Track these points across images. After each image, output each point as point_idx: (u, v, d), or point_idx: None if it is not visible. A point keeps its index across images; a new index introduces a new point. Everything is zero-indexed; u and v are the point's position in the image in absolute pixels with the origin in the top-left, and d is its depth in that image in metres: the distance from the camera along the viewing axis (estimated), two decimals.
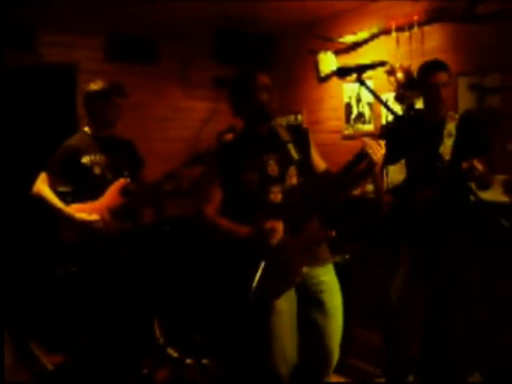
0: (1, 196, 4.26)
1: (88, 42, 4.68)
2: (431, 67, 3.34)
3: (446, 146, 3.32)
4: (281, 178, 2.68)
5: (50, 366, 3.89)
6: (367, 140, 2.51)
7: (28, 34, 4.35)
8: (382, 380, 3.70)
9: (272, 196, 2.66)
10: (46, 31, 4.46)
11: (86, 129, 3.63)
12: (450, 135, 3.33)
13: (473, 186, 3.21)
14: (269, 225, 2.53)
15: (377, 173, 3.44)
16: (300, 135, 2.83)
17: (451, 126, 3.34)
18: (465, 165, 3.06)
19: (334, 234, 2.69)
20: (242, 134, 2.80)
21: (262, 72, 2.71)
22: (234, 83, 2.76)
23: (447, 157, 3.31)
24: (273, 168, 2.68)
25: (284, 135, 2.76)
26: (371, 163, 2.50)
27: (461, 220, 3.31)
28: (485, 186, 3.20)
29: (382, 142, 2.51)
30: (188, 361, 3.86)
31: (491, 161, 3.11)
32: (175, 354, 3.96)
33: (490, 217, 2.57)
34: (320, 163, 2.86)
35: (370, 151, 2.47)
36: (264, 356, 2.63)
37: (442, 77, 3.29)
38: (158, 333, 4.10)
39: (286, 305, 2.64)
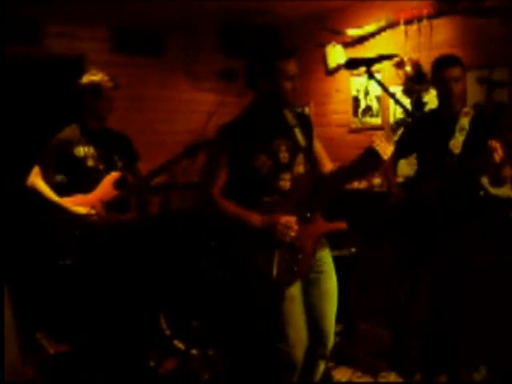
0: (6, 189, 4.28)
1: (94, 34, 4.66)
2: (444, 62, 3.32)
3: (457, 141, 3.30)
4: (290, 166, 2.68)
5: (54, 355, 3.92)
6: (377, 137, 2.50)
7: (34, 26, 4.35)
8: (389, 374, 3.70)
9: (282, 183, 2.66)
10: (52, 23, 4.45)
11: (79, 121, 3.62)
12: (462, 130, 3.31)
13: (485, 181, 3.20)
14: (283, 220, 2.55)
15: (388, 167, 3.46)
16: (304, 120, 2.83)
17: (464, 121, 3.32)
18: (492, 143, 3.00)
19: (345, 225, 2.70)
20: (252, 113, 2.73)
21: (291, 58, 2.61)
22: (262, 58, 2.62)
23: (457, 150, 3.29)
24: (284, 155, 2.67)
25: (291, 119, 2.75)
26: (379, 160, 2.49)
27: (468, 214, 3.30)
28: (501, 182, 3.17)
29: (392, 140, 2.50)
30: (194, 352, 3.87)
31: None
32: (181, 346, 3.97)
33: (498, 211, 2.55)
34: (321, 151, 2.86)
35: (379, 149, 2.47)
36: (281, 344, 2.65)
37: (455, 72, 3.28)
38: (163, 324, 4.11)
39: (297, 290, 2.68)
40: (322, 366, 2.87)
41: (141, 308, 3.85)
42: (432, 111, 3.59)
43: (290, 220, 2.56)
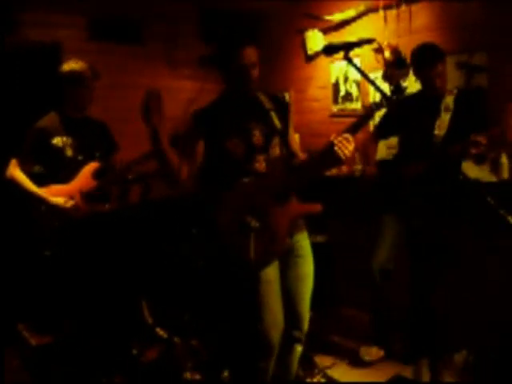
0: None
1: (71, 21, 4.59)
2: (429, 59, 3.35)
3: (443, 120, 3.32)
4: (265, 148, 2.72)
5: (36, 346, 3.90)
6: (336, 138, 2.50)
7: (9, 13, 4.27)
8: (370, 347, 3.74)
9: (257, 165, 2.70)
10: (27, 10, 4.37)
11: (58, 110, 3.59)
12: (447, 109, 3.34)
13: (464, 165, 3.23)
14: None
15: (366, 145, 3.50)
16: (281, 104, 2.87)
17: (449, 100, 3.35)
18: (472, 138, 3.04)
19: (320, 208, 2.72)
20: (225, 98, 2.77)
21: (250, 46, 2.64)
22: (220, 46, 2.70)
23: (443, 131, 3.31)
24: (258, 138, 2.71)
25: (266, 103, 2.78)
26: (337, 161, 2.51)
27: (447, 196, 3.33)
28: (481, 160, 3.21)
29: (351, 138, 2.50)
30: (176, 340, 3.87)
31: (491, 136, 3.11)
32: (163, 334, 3.96)
33: (476, 194, 2.58)
34: (294, 141, 2.92)
35: (338, 150, 2.47)
36: (256, 325, 2.69)
37: (439, 68, 3.33)
38: (146, 313, 4.10)
39: (273, 273, 2.72)
40: (298, 350, 2.92)
41: (122, 297, 3.84)
42: (416, 93, 3.60)
43: None
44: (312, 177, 2.70)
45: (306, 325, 2.89)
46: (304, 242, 2.84)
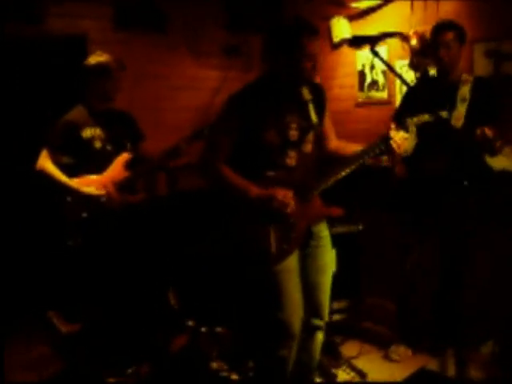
0: (6, 172, 4.28)
1: (96, 11, 4.59)
2: (437, 27, 3.38)
3: (460, 112, 3.29)
4: (299, 144, 2.68)
5: (66, 334, 3.97)
6: (393, 132, 2.51)
7: (35, 5, 4.29)
8: (399, 346, 3.74)
9: (288, 160, 2.67)
10: (53, 2, 4.38)
11: (84, 103, 3.61)
12: (463, 100, 3.30)
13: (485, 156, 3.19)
14: (281, 193, 2.57)
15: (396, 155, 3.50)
16: (320, 94, 2.81)
17: (465, 90, 3.31)
18: (479, 131, 3.03)
19: (341, 212, 2.72)
20: (264, 84, 2.68)
21: (315, 36, 2.56)
22: (282, 35, 2.56)
23: (460, 122, 3.27)
24: (293, 133, 2.66)
25: (306, 94, 2.72)
26: (390, 151, 2.56)
27: (471, 190, 3.30)
28: (493, 152, 3.17)
29: (407, 136, 2.52)
30: (202, 329, 3.91)
31: (502, 127, 3.09)
32: (191, 323, 4.01)
33: (502, 188, 2.55)
34: (329, 126, 2.89)
35: (394, 145, 2.50)
36: (278, 313, 2.70)
37: (446, 37, 3.32)
38: (173, 302, 4.15)
39: (293, 262, 2.73)
40: (319, 337, 2.94)
41: (150, 286, 3.88)
42: (430, 79, 3.56)
43: (288, 194, 2.58)
44: (346, 172, 2.69)
45: (326, 313, 2.91)
46: (324, 233, 2.85)
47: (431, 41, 3.41)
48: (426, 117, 2.55)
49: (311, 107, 2.71)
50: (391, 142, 2.52)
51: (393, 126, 2.60)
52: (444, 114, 2.54)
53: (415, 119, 2.56)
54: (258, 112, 2.59)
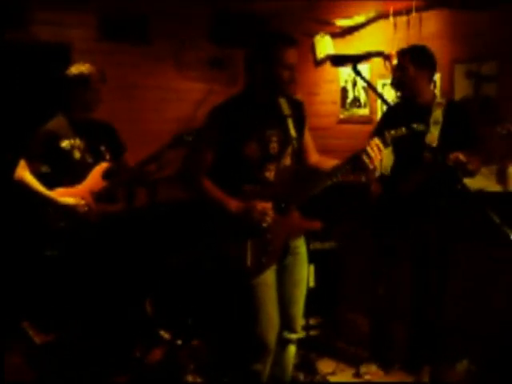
0: None
1: (81, 20, 4.60)
2: (398, 52, 3.54)
3: (433, 134, 3.33)
4: (278, 157, 2.70)
5: (41, 344, 3.92)
6: (368, 147, 2.52)
7: (20, 11, 4.28)
8: (370, 365, 3.74)
9: (267, 174, 2.68)
10: (37, 8, 4.38)
11: (64, 112, 3.60)
12: (436, 123, 3.34)
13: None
14: (260, 207, 2.58)
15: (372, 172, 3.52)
16: (299, 109, 2.83)
17: (438, 114, 3.36)
18: (452, 157, 3.08)
19: (319, 225, 2.73)
20: (245, 97, 2.71)
21: (292, 47, 2.61)
22: (259, 46, 2.62)
23: (434, 144, 3.31)
24: (274, 146, 2.67)
25: (286, 109, 2.75)
26: (366, 169, 2.56)
27: (446, 208, 3.34)
28: (470, 174, 3.22)
29: (381, 146, 2.53)
30: (179, 343, 3.89)
31: (480, 151, 3.14)
32: (167, 336, 3.98)
33: (479, 209, 2.58)
34: (309, 141, 2.90)
35: (367, 160, 2.51)
36: (254, 327, 2.71)
37: (403, 59, 3.41)
38: (149, 313, 4.12)
39: (271, 277, 2.73)
40: (292, 350, 2.94)
41: (127, 297, 3.86)
42: (405, 101, 3.61)
43: (266, 206, 2.59)
44: (323, 186, 2.70)
45: (298, 327, 2.93)
46: (301, 248, 2.86)
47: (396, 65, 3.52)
48: (403, 130, 2.57)
49: (290, 122, 2.73)
50: (364, 156, 2.53)
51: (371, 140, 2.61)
52: (420, 127, 2.56)
53: (393, 132, 2.58)
54: (239, 125, 2.61)
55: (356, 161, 2.56)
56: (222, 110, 2.67)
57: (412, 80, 3.38)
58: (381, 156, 2.55)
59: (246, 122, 2.63)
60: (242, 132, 2.62)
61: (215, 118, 2.66)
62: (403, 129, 2.58)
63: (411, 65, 3.36)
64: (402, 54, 3.46)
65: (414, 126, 2.55)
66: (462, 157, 3.07)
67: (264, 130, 2.66)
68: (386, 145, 2.59)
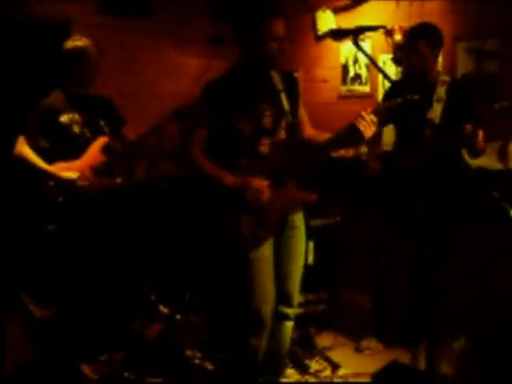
0: None
1: None
2: (410, 35, 3.39)
3: (435, 111, 3.31)
4: (272, 131, 2.71)
5: (40, 318, 3.94)
6: (361, 116, 2.50)
7: None
8: (370, 340, 3.77)
9: (262, 148, 2.69)
10: None
11: (62, 87, 3.58)
12: (439, 100, 3.32)
13: (464, 153, 3.21)
14: (256, 184, 2.60)
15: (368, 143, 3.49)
16: (292, 84, 2.83)
17: (441, 91, 3.33)
18: (468, 129, 3.03)
19: (315, 197, 2.73)
20: (238, 72, 2.72)
21: (279, 19, 2.60)
22: (246, 18, 2.63)
23: (436, 121, 3.29)
24: (267, 120, 2.69)
25: (278, 83, 2.75)
26: (360, 138, 2.54)
27: (448, 187, 3.32)
28: (477, 154, 3.19)
29: (375, 120, 2.51)
30: (177, 317, 3.90)
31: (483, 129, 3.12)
32: (166, 311, 3.99)
33: (480, 186, 2.57)
34: (304, 116, 2.90)
35: (362, 128, 2.49)
36: (250, 302, 2.74)
37: (419, 44, 3.30)
38: (148, 290, 4.13)
39: (267, 251, 2.75)
40: (289, 326, 2.96)
41: (126, 272, 3.87)
42: (408, 77, 3.58)
43: (263, 184, 2.61)
44: (319, 159, 2.70)
45: (295, 301, 2.94)
46: (298, 222, 2.87)
47: (404, 47, 3.43)
48: (398, 100, 2.55)
49: (283, 96, 2.74)
50: (360, 125, 2.52)
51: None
52: (415, 96, 2.53)
53: (387, 103, 2.56)
54: (231, 100, 2.63)
55: (351, 129, 2.55)
56: (214, 86, 2.69)
57: (429, 62, 3.34)
58: (374, 126, 2.53)
59: (238, 97, 2.64)
60: (234, 107, 2.63)
61: (208, 93, 2.68)
62: (398, 99, 2.56)
63: (427, 48, 3.31)
64: (415, 37, 3.35)
65: (408, 96, 2.53)
66: (479, 132, 3.03)
67: (257, 104, 2.67)
68: (381, 117, 2.57)
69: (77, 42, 3.48)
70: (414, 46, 3.34)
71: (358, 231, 4.34)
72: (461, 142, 3.08)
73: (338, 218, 4.15)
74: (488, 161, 3.66)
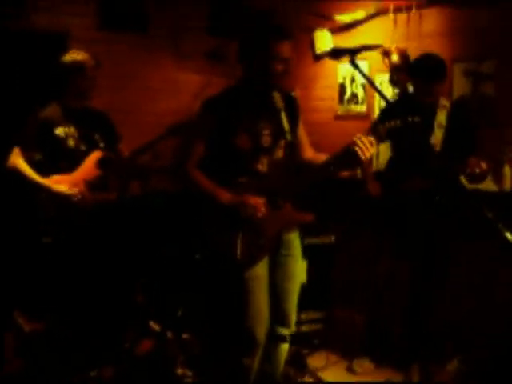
0: None
1: (80, 9, 4.58)
2: (432, 76, 3.32)
3: (437, 137, 3.32)
4: (271, 150, 2.69)
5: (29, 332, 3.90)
6: (358, 138, 2.49)
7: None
8: (363, 360, 3.74)
9: (260, 166, 2.68)
10: None
11: (59, 100, 3.58)
12: (440, 126, 3.33)
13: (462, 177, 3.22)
14: (252, 201, 2.58)
15: (366, 166, 3.49)
16: (292, 104, 2.82)
17: (442, 116, 3.35)
18: (472, 162, 3.04)
19: (312, 218, 2.72)
20: (238, 89, 2.71)
21: (286, 40, 2.57)
22: (252, 38, 2.60)
23: (437, 147, 3.30)
24: (266, 139, 2.67)
25: (278, 102, 2.74)
26: (358, 162, 2.52)
27: (448, 210, 3.32)
28: (477, 182, 3.21)
29: (374, 141, 2.50)
30: (169, 335, 3.87)
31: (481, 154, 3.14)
32: (156, 328, 3.96)
33: (475, 206, 2.57)
34: (304, 136, 2.88)
35: (359, 151, 2.49)
36: (244, 321, 2.69)
37: (439, 85, 3.29)
38: (140, 306, 4.10)
39: (262, 269, 2.71)
40: (284, 348, 2.90)
41: (118, 287, 3.84)
42: (408, 96, 3.58)
43: (259, 201, 2.58)
44: (316, 181, 2.69)
45: (292, 323, 2.89)
46: (295, 242, 2.84)
47: (421, 85, 3.38)
48: (397, 122, 2.53)
49: (283, 115, 2.72)
50: (356, 148, 2.51)
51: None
52: (416, 118, 2.51)
53: (387, 124, 2.55)
54: (230, 116, 2.61)
55: (347, 152, 2.53)
56: (214, 103, 2.67)
57: (434, 93, 3.36)
58: (373, 148, 2.52)
59: (237, 114, 2.62)
60: (233, 124, 2.61)
61: (207, 110, 2.66)
62: (398, 121, 2.55)
63: (441, 87, 3.33)
64: (431, 79, 3.32)
65: (409, 118, 2.52)
66: (482, 163, 3.05)
67: (256, 121, 2.66)
68: (379, 139, 2.56)
69: (75, 55, 3.50)
70: (430, 89, 3.33)
71: (353, 250, 4.33)
72: (464, 173, 3.09)
73: (333, 238, 4.13)
74: (483, 183, 3.67)
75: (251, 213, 2.57)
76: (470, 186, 3.39)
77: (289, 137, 2.73)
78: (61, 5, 4.46)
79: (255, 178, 2.65)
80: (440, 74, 3.32)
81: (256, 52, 2.57)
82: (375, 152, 2.61)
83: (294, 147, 2.80)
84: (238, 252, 2.60)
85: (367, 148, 2.49)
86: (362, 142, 2.49)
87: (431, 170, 3.22)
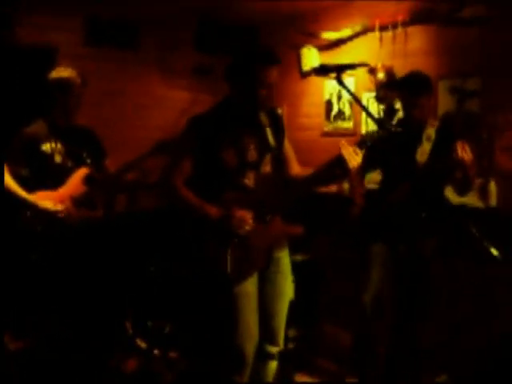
0: None
1: (68, 25, 4.58)
2: (419, 89, 3.31)
3: (424, 149, 3.33)
4: (257, 165, 2.71)
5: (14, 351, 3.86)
6: (345, 146, 2.52)
7: (7, 15, 4.24)
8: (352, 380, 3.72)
9: (246, 181, 2.69)
10: (25, 12, 4.34)
11: (45, 117, 3.57)
12: (428, 139, 3.35)
13: (449, 190, 3.23)
14: (239, 214, 2.58)
15: (353, 177, 3.49)
16: (276, 120, 2.83)
17: (431, 131, 3.36)
18: (459, 145, 3.04)
19: (301, 230, 2.72)
20: (224, 107, 2.73)
21: (274, 66, 2.58)
22: (238, 62, 2.62)
23: (424, 157, 3.32)
24: (252, 154, 2.69)
25: (263, 118, 2.76)
26: (346, 170, 2.54)
27: (432, 224, 3.33)
28: (465, 189, 3.22)
29: (359, 151, 2.53)
30: (156, 352, 3.84)
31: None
32: (143, 345, 3.93)
33: (460, 223, 2.59)
34: (290, 152, 2.89)
35: (347, 158, 2.50)
36: (232, 338, 2.68)
37: (422, 101, 3.31)
38: (126, 323, 4.07)
39: (251, 286, 2.71)
40: (272, 366, 2.89)
41: (104, 305, 3.81)
42: (399, 121, 3.61)
43: (246, 215, 2.60)
44: (304, 193, 2.70)
45: (280, 341, 2.88)
46: (285, 259, 2.84)
47: (408, 98, 3.40)
48: (379, 131, 2.56)
49: (268, 131, 2.74)
50: (344, 152, 2.53)
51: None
52: (398, 129, 2.53)
53: (370, 132, 2.58)
54: (216, 133, 2.63)
55: (336, 159, 2.56)
56: (199, 120, 2.69)
57: (422, 107, 3.32)
58: (358, 157, 2.54)
59: (223, 131, 2.65)
60: (219, 140, 2.63)
61: (193, 127, 2.67)
62: (380, 130, 2.58)
63: (428, 101, 3.34)
64: (417, 93, 3.29)
65: (392, 128, 2.55)
66: (467, 147, 3.03)
67: (241, 137, 2.68)
68: (363, 144, 2.58)
69: (61, 72, 3.49)
70: (416, 101, 3.31)
71: (340, 266, 4.33)
72: (453, 163, 3.09)
73: (318, 254, 4.13)
74: (469, 199, 3.69)
75: (239, 226, 2.57)
76: (455, 201, 3.43)
77: (275, 152, 2.75)
78: (48, 20, 4.46)
79: (242, 193, 2.66)
80: (427, 87, 3.35)
81: (243, 77, 2.59)
82: (362, 164, 2.60)
83: (281, 162, 2.82)
84: (228, 267, 2.60)
85: (353, 156, 2.51)
86: (346, 148, 2.53)
87: (419, 177, 3.23)
